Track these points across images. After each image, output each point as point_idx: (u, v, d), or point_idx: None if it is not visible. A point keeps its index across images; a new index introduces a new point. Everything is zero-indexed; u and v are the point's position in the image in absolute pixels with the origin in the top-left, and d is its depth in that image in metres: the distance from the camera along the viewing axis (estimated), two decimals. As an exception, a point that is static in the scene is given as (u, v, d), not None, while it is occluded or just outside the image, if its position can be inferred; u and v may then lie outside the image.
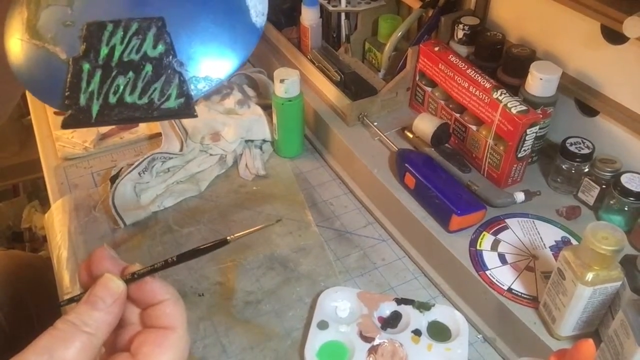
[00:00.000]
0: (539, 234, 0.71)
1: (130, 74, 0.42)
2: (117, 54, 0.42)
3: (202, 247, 0.40)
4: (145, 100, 0.42)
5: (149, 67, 0.42)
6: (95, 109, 0.42)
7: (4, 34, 0.46)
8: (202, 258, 0.75)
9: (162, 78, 0.42)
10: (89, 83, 0.42)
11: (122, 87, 0.42)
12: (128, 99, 0.42)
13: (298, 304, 0.70)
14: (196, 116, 0.43)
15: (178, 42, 0.42)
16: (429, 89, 0.87)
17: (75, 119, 0.42)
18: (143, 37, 0.42)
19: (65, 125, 0.43)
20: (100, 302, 0.36)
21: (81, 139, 0.93)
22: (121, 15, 0.42)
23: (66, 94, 0.42)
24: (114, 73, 0.42)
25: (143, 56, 0.42)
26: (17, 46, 0.45)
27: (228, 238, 0.40)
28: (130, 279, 0.38)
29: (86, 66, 0.42)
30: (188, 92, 0.42)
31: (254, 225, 0.82)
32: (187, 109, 0.42)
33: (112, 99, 0.42)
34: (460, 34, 0.86)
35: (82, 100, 0.42)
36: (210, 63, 0.43)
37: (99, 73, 0.42)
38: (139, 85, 0.42)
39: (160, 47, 0.42)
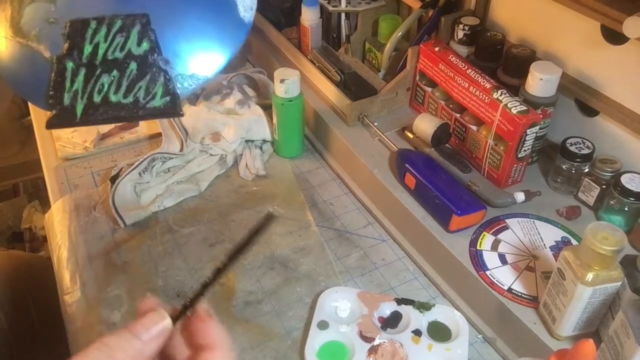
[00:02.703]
0: (539, 234, 0.71)
1: (115, 72, 0.41)
2: (101, 52, 0.41)
3: (252, 234, 0.38)
4: (130, 99, 0.41)
5: (133, 65, 0.41)
6: (79, 108, 0.41)
7: None
8: (203, 258, 0.75)
9: (147, 76, 0.41)
10: (72, 82, 0.41)
11: (106, 86, 0.41)
12: (113, 98, 0.41)
13: (298, 304, 0.70)
14: (182, 115, 0.42)
15: (163, 38, 0.41)
16: (429, 89, 0.87)
17: (60, 118, 0.41)
18: (127, 35, 0.41)
19: (49, 125, 0.42)
20: (143, 332, 0.34)
21: (81, 139, 0.93)
22: (105, 12, 0.41)
23: (50, 93, 0.41)
24: (98, 72, 0.41)
25: (127, 54, 0.41)
26: (1, 44, 0.44)
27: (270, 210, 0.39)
28: (181, 311, 0.36)
29: (70, 65, 0.41)
30: (174, 91, 0.41)
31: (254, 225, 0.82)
32: (173, 108, 0.41)
33: (97, 98, 0.41)
34: (460, 34, 0.86)
35: (66, 99, 0.41)
36: (197, 60, 0.42)
37: (82, 72, 0.41)
38: (124, 83, 0.41)
39: (145, 45, 0.41)
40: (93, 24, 0.41)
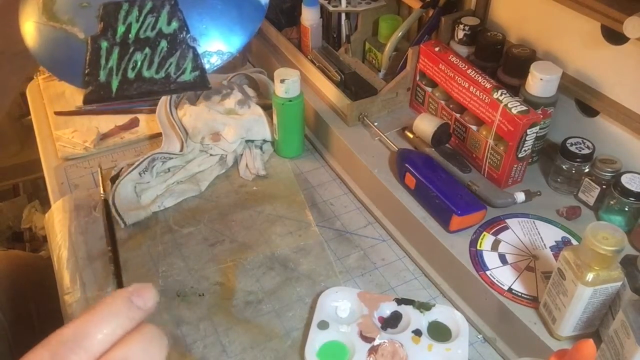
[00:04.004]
0: (539, 234, 0.71)
1: (147, 50, 0.44)
2: (133, 31, 0.44)
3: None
4: (162, 74, 0.44)
5: (164, 43, 0.44)
6: (115, 84, 0.44)
7: (19, 20, 0.47)
8: (203, 258, 0.75)
9: (177, 53, 0.44)
10: (107, 60, 0.44)
11: (139, 63, 0.44)
12: (146, 73, 0.44)
13: (298, 304, 0.70)
14: (211, 88, 0.45)
15: (190, 19, 0.44)
16: (429, 89, 0.87)
17: (96, 94, 0.44)
18: (157, 15, 0.44)
19: (86, 100, 0.44)
20: None
21: (81, 139, 0.93)
22: None
23: (86, 71, 0.44)
24: (131, 50, 0.44)
25: (158, 33, 0.44)
26: (34, 29, 0.46)
27: None
28: None
29: (104, 44, 0.44)
30: (202, 66, 0.44)
31: (254, 225, 0.83)
32: (202, 82, 0.44)
33: (131, 74, 0.44)
34: (460, 34, 0.86)
35: (102, 76, 0.44)
36: (220, 38, 0.45)
37: (117, 50, 0.44)
38: (156, 60, 0.44)
39: (174, 24, 0.44)
40: (125, 6, 0.43)
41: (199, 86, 0.44)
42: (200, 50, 0.44)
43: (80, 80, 0.44)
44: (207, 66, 0.44)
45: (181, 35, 0.44)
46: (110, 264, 0.39)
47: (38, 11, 0.46)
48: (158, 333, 0.31)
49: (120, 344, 0.30)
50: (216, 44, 0.44)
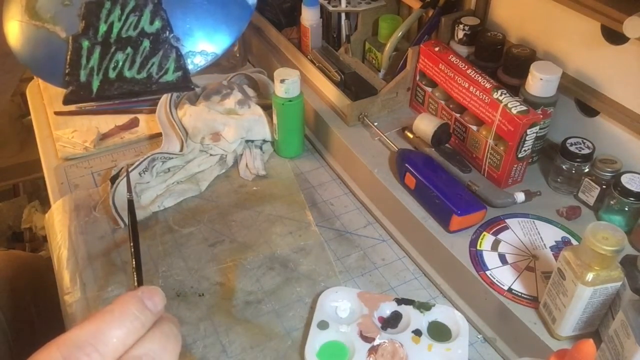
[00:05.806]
0: (539, 234, 0.71)
1: (129, 49, 0.43)
2: (115, 30, 0.43)
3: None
4: (144, 74, 0.43)
5: (146, 43, 0.43)
6: (95, 84, 0.44)
7: (2, 18, 0.47)
8: (203, 258, 0.75)
9: (159, 53, 0.43)
10: (88, 59, 0.43)
11: (121, 63, 0.43)
12: (127, 73, 0.43)
13: (298, 304, 0.70)
14: (194, 89, 0.44)
15: (174, 18, 0.43)
16: (429, 89, 0.87)
17: (76, 94, 0.44)
18: (140, 14, 0.43)
19: (66, 101, 0.44)
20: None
21: (81, 139, 0.93)
22: None
23: (67, 70, 0.43)
24: (112, 49, 0.43)
25: (141, 32, 0.43)
26: (17, 28, 0.46)
27: None
28: None
29: (85, 43, 0.43)
30: (185, 66, 0.43)
31: (254, 225, 0.83)
32: (185, 82, 0.44)
33: (112, 74, 0.43)
34: (460, 34, 0.86)
35: (83, 76, 0.44)
36: (205, 38, 0.44)
37: (98, 50, 0.43)
38: (138, 60, 0.43)
39: (157, 23, 0.43)
40: (107, 4, 0.43)
41: (182, 87, 0.44)
42: (183, 50, 0.43)
43: (61, 80, 0.44)
44: (190, 67, 0.43)
45: (164, 35, 0.43)
46: (132, 259, 0.39)
47: (21, 9, 0.45)
48: (174, 328, 0.32)
49: (140, 341, 0.30)
50: (201, 44, 0.44)
